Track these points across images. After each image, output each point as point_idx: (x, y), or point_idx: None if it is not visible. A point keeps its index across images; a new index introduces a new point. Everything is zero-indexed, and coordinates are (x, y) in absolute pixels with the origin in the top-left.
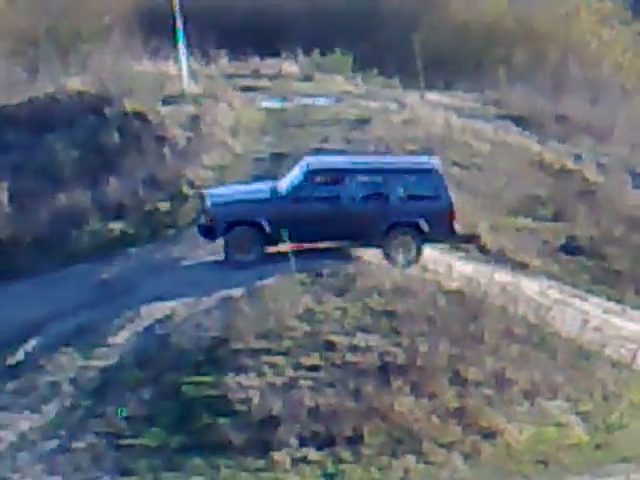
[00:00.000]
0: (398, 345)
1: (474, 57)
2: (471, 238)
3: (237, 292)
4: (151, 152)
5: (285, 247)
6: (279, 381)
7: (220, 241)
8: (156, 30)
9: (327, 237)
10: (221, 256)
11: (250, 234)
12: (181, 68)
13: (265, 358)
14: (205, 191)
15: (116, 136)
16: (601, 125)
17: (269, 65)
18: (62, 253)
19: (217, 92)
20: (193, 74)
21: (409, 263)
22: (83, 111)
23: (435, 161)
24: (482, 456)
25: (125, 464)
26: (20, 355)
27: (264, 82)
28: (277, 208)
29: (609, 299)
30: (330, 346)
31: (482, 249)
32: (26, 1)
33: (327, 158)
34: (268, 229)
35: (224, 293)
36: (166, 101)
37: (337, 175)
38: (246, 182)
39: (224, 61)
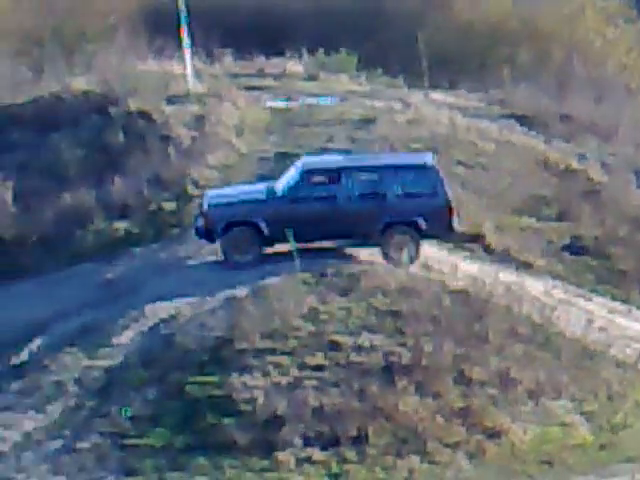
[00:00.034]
0: (403, 345)
1: (479, 56)
2: (476, 238)
3: (241, 292)
4: (156, 152)
5: (283, 247)
6: (284, 381)
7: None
8: (161, 30)
9: (324, 237)
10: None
11: (248, 235)
12: (186, 67)
13: (270, 358)
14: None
15: (121, 136)
16: (606, 124)
17: (274, 64)
18: (67, 252)
19: (222, 91)
20: (198, 73)
21: (408, 261)
22: (88, 111)
23: (430, 157)
24: (487, 456)
25: (130, 464)
26: (24, 355)
27: (269, 81)
28: (274, 208)
29: (614, 299)
30: (335, 346)
31: (487, 249)
32: (31, 1)
33: (323, 157)
34: (265, 230)
35: (228, 293)
36: (171, 101)
37: (333, 174)
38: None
39: (229, 60)
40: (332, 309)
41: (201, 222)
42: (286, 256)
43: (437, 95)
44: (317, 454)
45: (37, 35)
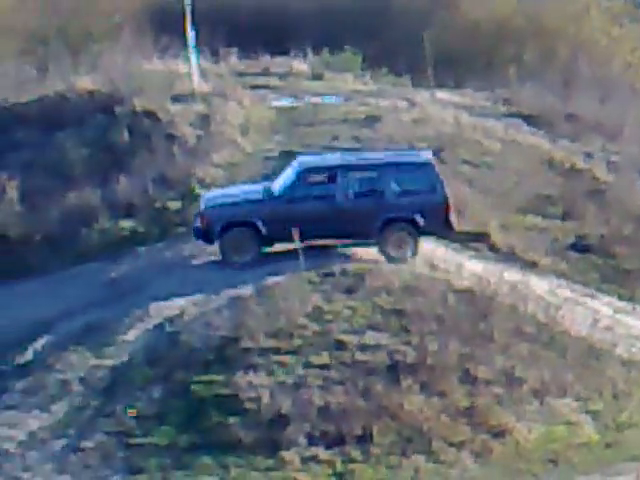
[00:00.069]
0: (408, 344)
1: (484, 55)
2: (481, 237)
3: (246, 291)
4: (161, 151)
5: (283, 247)
6: (289, 380)
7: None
8: (166, 29)
9: (322, 236)
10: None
11: (246, 235)
12: (191, 67)
13: (275, 357)
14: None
15: (126, 135)
16: (611, 124)
17: (279, 63)
18: (72, 251)
19: (227, 90)
20: (203, 72)
21: (406, 258)
22: (93, 110)
23: (428, 154)
24: (492, 455)
25: (135, 463)
26: (29, 354)
27: (274, 81)
28: (271, 208)
29: (619, 298)
30: (340, 345)
31: (492, 248)
32: (36, 0)
33: (319, 156)
34: (263, 230)
35: (233, 292)
36: (176, 100)
37: (330, 173)
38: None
39: (234, 59)
40: (337, 308)
41: (199, 223)
42: (290, 255)
43: (443, 94)
44: (322, 453)
45: (42, 34)
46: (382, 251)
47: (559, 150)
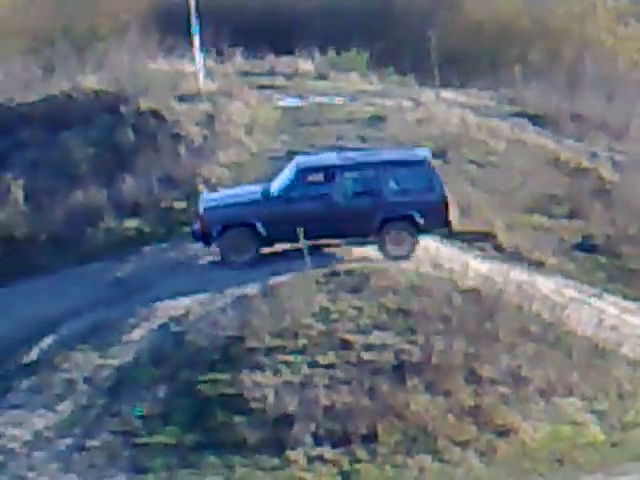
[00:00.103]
0: (413, 343)
1: (489, 55)
2: (487, 236)
3: (252, 290)
4: (166, 150)
5: (286, 246)
6: (294, 379)
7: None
8: (172, 28)
9: (321, 235)
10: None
11: (245, 236)
12: (197, 66)
13: (280, 356)
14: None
15: (131, 134)
16: (617, 123)
17: (285, 63)
18: (77, 251)
19: (232, 90)
20: (208, 72)
21: (405, 256)
22: (99, 109)
23: (426, 152)
24: (497, 454)
25: (140, 462)
26: (35, 353)
27: (279, 80)
28: (270, 209)
29: (625, 297)
30: (345, 344)
31: (498, 247)
32: (42, 0)
33: (317, 156)
34: (262, 230)
35: (239, 291)
36: (182, 99)
37: (328, 173)
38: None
39: (239, 59)
40: (343, 308)
41: (197, 225)
42: (295, 254)
43: (448, 94)
44: (328, 452)
45: (48, 34)
46: (381, 250)
47: (565, 150)
